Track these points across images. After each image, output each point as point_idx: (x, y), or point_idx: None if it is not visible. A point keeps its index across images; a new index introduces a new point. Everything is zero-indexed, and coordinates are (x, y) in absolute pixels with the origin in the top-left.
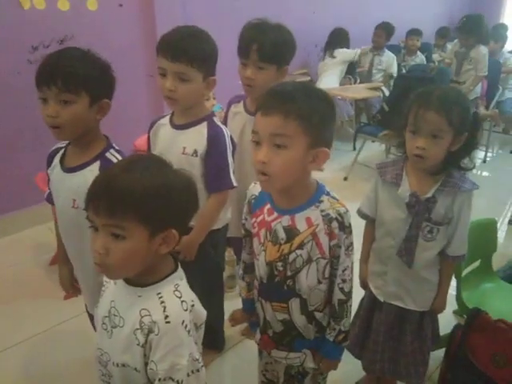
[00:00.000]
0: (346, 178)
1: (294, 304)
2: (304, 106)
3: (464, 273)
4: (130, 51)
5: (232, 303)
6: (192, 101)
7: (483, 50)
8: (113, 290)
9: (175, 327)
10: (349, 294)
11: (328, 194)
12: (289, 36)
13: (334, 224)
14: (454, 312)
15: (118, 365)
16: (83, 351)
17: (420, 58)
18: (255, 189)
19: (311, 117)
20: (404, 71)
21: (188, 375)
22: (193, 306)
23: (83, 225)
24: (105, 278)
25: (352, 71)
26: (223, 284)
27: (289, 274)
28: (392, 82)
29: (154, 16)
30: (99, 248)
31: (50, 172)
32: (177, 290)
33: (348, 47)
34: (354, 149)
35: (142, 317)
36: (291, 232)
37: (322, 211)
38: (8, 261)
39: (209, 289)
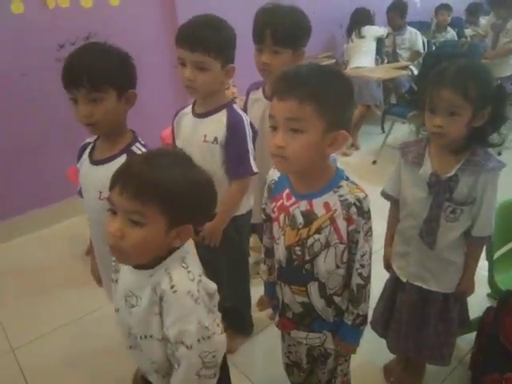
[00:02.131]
0: (374, 162)
1: (313, 287)
2: (319, 89)
3: (497, 255)
4: (154, 43)
5: (259, 289)
6: (211, 89)
7: None
8: (124, 279)
9: (181, 296)
10: (367, 279)
11: (347, 179)
12: (303, 18)
13: (353, 209)
14: (488, 295)
15: (145, 337)
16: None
17: (451, 33)
18: (274, 173)
19: (327, 99)
20: (434, 48)
21: (198, 341)
22: (200, 275)
23: None
24: (114, 265)
25: (379, 51)
26: (249, 269)
27: (307, 258)
28: (421, 60)
29: (174, 7)
30: (115, 230)
31: (80, 166)
32: (183, 262)
33: (373, 24)
34: (383, 131)
35: (155, 288)
36: (309, 217)
37: (340, 196)
38: (47, 252)
39: (235, 274)
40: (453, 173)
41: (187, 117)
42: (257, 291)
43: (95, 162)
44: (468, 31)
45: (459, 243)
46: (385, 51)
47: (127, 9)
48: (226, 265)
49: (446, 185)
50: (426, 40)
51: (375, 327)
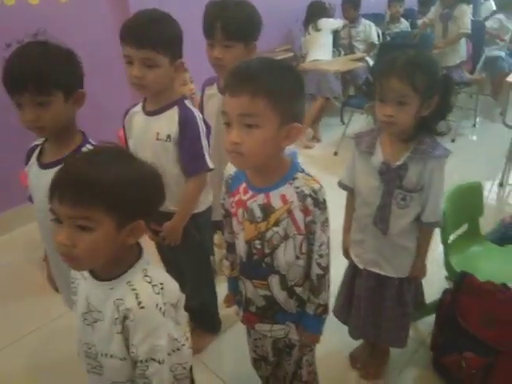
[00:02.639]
0: (336, 153)
1: (274, 280)
2: (271, 83)
3: (452, 237)
4: (106, 39)
5: (226, 285)
6: (161, 86)
7: (465, 7)
8: (84, 286)
9: (150, 311)
10: (326, 269)
11: (302, 170)
12: (253, 11)
13: (309, 201)
14: (446, 277)
15: (106, 355)
16: None
17: (404, 24)
18: (231, 168)
19: (279, 93)
20: (388, 39)
21: (169, 354)
22: (162, 288)
23: None
24: (72, 274)
25: (336, 44)
26: (212, 266)
27: (267, 251)
28: (376, 51)
29: (127, 3)
30: (64, 240)
31: (28, 169)
32: (146, 276)
33: (329, 17)
34: (343, 123)
35: (117, 306)
36: (267, 210)
37: (296, 188)
38: (3, 259)
39: (198, 272)
40: (402, 161)
41: (138, 115)
42: (224, 288)
43: (44, 166)
44: (420, 22)
45: (411, 229)
46: (341, 43)
47: (77, 4)
48: (188, 263)
49: (396, 173)
50: (380, 31)
51: (337, 315)
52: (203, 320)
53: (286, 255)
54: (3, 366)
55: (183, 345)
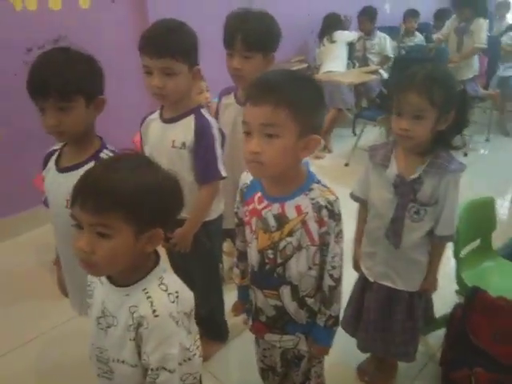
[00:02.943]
0: (347, 164)
1: (285, 291)
2: (293, 94)
3: (464, 252)
4: (125, 47)
5: (234, 294)
6: (181, 94)
7: (482, 22)
8: (101, 290)
9: (164, 320)
10: (338, 281)
11: (318, 182)
12: (272, 23)
13: (324, 212)
14: (456, 291)
15: (118, 361)
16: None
17: (419, 38)
18: (247, 177)
19: (301, 104)
20: (404, 52)
21: (180, 364)
22: (177, 296)
23: None
24: (89, 278)
25: (350, 56)
26: (220, 274)
27: (279, 261)
28: (391, 64)
29: (146, 10)
30: (84, 246)
31: (46, 174)
32: (162, 284)
33: (345, 29)
34: (355, 134)
35: (132, 313)
36: (281, 220)
37: (311, 199)
38: (14, 262)
39: (207, 280)
40: (417, 175)
41: (155, 122)
42: (232, 296)
43: (62, 170)
44: (435, 36)
45: (423, 243)
46: (355, 56)
47: (97, 11)
48: (198, 271)
49: (411, 186)
50: (395, 45)
51: (346, 327)
52: (211, 328)
53: (298, 266)
54: (10, 368)
55: (194, 354)
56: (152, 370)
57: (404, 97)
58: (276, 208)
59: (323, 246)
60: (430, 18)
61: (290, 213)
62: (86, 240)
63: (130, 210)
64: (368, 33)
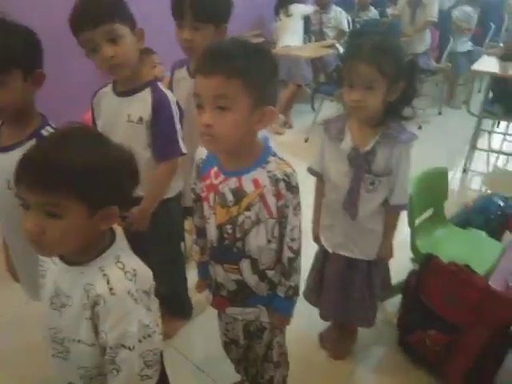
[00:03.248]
0: (306, 140)
1: (245, 265)
2: (245, 64)
3: (418, 221)
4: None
5: (197, 271)
6: (133, 58)
7: None
8: (54, 270)
9: (121, 297)
10: (297, 252)
11: (275, 154)
12: None
13: (281, 185)
14: (411, 259)
15: (73, 341)
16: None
17: (373, 12)
18: (202, 152)
19: (253, 75)
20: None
21: (140, 341)
22: (135, 274)
23: (19, 207)
24: (41, 258)
25: (306, 30)
26: (181, 252)
27: (238, 235)
28: (346, 39)
29: None
30: (33, 227)
31: None
32: (118, 262)
33: (301, 2)
34: (314, 110)
35: (88, 291)
36: (239, 194)
37: (268, 172)
38: None
39: (167, 257)
40: (370, 146)
41: (108, 96)
42: (195, 274)
43: (1, 149)
44: (390, 10)
45: (378, 212)
46: (312, 30)
47: None
48: (156, 248)
49: (365, 158)
50: (350, 19)
51: (308, 297)
52: (174, 306)
53: (257, 239)
54: None
55: (154, 331)
56: (111, 348)
57: (354, 68)
58: (233, 182)
59: (282, 219)
60: None
61: (248, 186)
62: (34, 220)
63: (81, 188)
64: (324, 6)
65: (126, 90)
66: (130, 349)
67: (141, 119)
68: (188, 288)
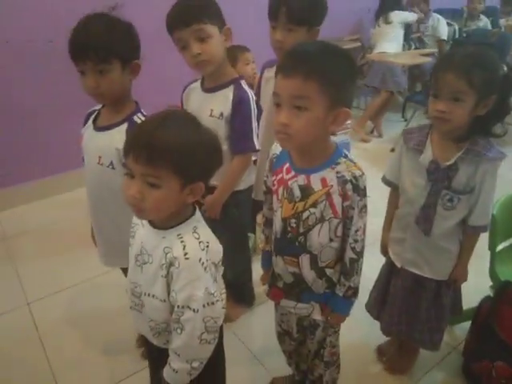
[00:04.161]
0: (393, 150)
1: (304, 259)
2: (323, 66)
3: (501, 246)
4: None
5: None
6: (219, 56)
7: None
8: (142, 232)
9: (193, 263)
10: (360, 254)
11: (346, 156)
12: None
13: (348, 186)
14: (491, 287)
15: (149, 295)
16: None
17: (484, 22)
18: (277, 148)
19: (331, 77)
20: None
21: (204, 306)
22: (208, 246)
23: (106, 182)
24: (134, 220)
25: (407, 38)
26: (247, 242)
27: (301, 230)
28: (448, 48)
29: None
30: (136, 193)
31: (84, 131)
32: (195, 232)
33: (402, 10)
34: (405, 119)
35: (166, 253)
36: (306, 191)
37: (337, 173)
38: (63, 215)
39: (233, 246)
40: (452, 161)
41: (196, 91)
42: None
43: (98, 129)
44: (502, 21)
45: (455, 231)
46: (412, 37)
47: None
48: (225, 238)
49: (445, 173)
50: (457, 27)
51: (370, 310)
52: (237, 292)
53: (320, 236)
54: (56, 309)
55: (218, 300)
56: (178, 307)
57: (441, 77)
58: (302, 179)
59: (346, 220)
60: (497, 1)
61: (316, 184)
62: (137, 188)
63: (179, 164)
64: (423, 14)
65: (212, 86)
66: (194, 311)
67: (221, 114)
68: (253, 278)
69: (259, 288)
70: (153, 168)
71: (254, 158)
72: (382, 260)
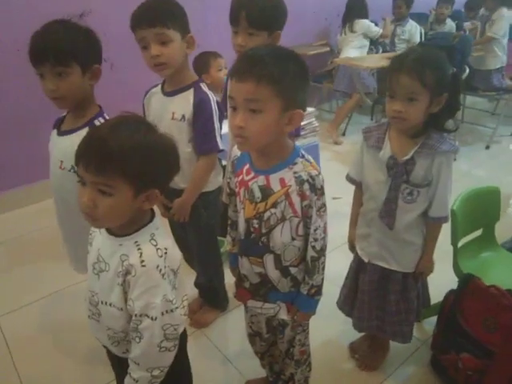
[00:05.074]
0: None
1: (269, 259)
2: (275, 70)
3: (465, 241)
4: None
5: None
6: (177, 61)
7: (504, 11)
8: (99, 239)
9: (150, 270)
10: (320, 252)
11: (303, 156)
12: (278, 1)
13: (306, 186)
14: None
15: (106, 303)
16: None
17: (449, 25)
18: (237, 150)
19: (283, 80)
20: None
21: (162, 314)
22: (166, 252)
23: (67, 186)
24: (91, 228)
25: (374, 42)
26: (217, 244)
27: (264, 231)
28: None
29: None
30: (87, 201)
31: (51, 137)
32: (152, 239)
33: (367, 16)
34: (374, 122)
35: (123, 261)
36: (266, 191)
37: (294, 173)
38: (35, 225)
39: (204, 249)
40: (409, 156)
41: (156, 95)
42: None
43: (61, 133)
44: (467, 24)
45: (417, 224)
46: (381, 41)
47: None
48: (195, 241)
49: (403, 167)
50: (423, 31)
51: (342, 307)
52: (210, 296)
53: (282, 236)
54: (25, 322)
55: (177, 307)
56: (136, 315)
57: (395, 79)
58: (261, 180)
59: (306, 219)
60: (461, 5)
61: (274, 185)
62: (88, 196)
63: (130, 173)
64: (401, 18)
65: (172, 89)
66: (152, 319)
67: (183, 117)
68: (226, 282)
69: (232, 291)
70: (103, 176)
71: (224, 163)
72: (350, 256)
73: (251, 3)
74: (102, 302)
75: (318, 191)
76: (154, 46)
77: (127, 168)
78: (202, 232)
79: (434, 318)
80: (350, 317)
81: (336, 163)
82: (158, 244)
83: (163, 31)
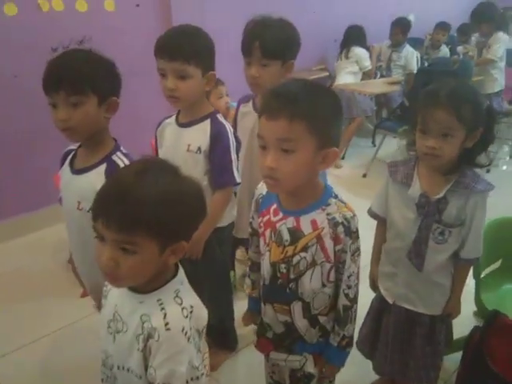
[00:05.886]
0: (364, 175)
1: (296, 307)
2: (309, 107)
3: (484, 273)
4: (148, 51)
5: (245, 302)
6: (193, 97)
7: (500, 35)
8: (116, 293)
9: (175, 334)
10: (354, 300)
11: (336, 197)
12: (291, 30)
13: (340, 229)
14: (474, 313)
15: (122, 368)
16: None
17: (444, 51)
18: (263, 188)
19: (317, 117)
20: (426, 65)
21: (187, 382)
22: (192, 312)
23: (87, 227)
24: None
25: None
26: (230, 282)
27: (292, 276)
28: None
29: (170, 15)
30: (107, 260)
31: (61, 173)
32: (177, 297)
33: (365, 44)
34: (374, 145)
35: (143, 322)
36: (296, 234)
37: (328, 214)
38: (28, 259)
39: (216, 287)
40: (442, 194)
41: (170, 126)
42: (242, 305)
43: (75, 171)
44: (460, 48)
45: (447, 265)
46: (378, 66)
47: (122, 14)
48: (207, 278)
49: (435, 206)
50: (419, 56)
51: (361, 348)
52: (219, 337)
53: (312, 282)
54: (21, 365)
55: (202, 374)
56: None
57: (430, 114)
58: (291, 221)
59: (339, 264)
60: (454, 30)
61: (305, 227)
62: (109, 254)
63: (155, 228)
64: (397, 44)
65: (188, 121)
66: None
67: (199, 149)
68: (234, 319)
69: (242, 330)
70: (125, 234)
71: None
72: (371, 294)
73: (265, 33)
74: (118, 367)
75: (353, 234)
76: (171, 79)
77: (153, 223)
78: (214, 269)
79: (454, 355)
80: (370, 359)
81: (338, 187)
82: (183, 302)
83: (184, 67)
